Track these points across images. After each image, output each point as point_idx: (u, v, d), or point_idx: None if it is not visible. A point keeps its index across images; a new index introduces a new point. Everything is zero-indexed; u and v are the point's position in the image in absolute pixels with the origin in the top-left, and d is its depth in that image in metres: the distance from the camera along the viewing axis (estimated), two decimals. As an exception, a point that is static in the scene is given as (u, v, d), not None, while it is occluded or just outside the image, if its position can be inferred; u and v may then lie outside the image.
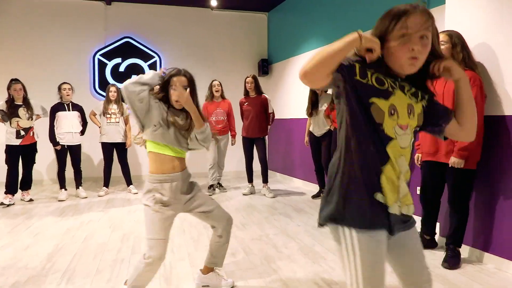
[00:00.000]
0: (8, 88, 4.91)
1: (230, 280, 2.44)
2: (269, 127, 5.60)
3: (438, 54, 1.32)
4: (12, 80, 4.95)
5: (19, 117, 4.90)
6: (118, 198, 5.26)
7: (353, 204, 1.26)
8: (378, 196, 1.26)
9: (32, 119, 5.01)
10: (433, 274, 2.40)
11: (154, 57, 6.89)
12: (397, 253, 1.38)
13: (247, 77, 5.45)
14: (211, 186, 5.53)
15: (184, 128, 2.08)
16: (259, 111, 5.38)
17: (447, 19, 3.10)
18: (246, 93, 5.49)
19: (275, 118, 5.90)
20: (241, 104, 5.54)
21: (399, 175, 1.28)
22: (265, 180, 5.47)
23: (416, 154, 3.17)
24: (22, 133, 4.92)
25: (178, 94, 2.04)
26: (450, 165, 2.75)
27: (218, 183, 5.69)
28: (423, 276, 1.39)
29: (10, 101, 4.90)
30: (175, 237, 3.43)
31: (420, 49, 1.26)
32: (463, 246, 2.92)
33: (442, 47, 2.79)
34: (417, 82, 1.36)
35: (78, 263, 2.83)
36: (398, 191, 1.28)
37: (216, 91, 5.43)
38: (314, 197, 5.18)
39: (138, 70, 6.72)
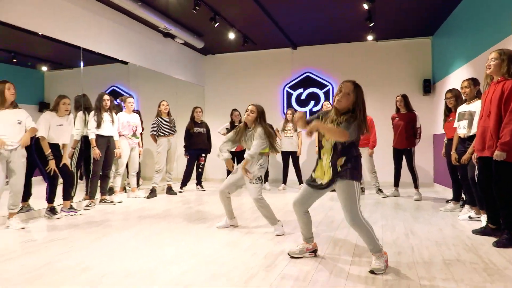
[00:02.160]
0: (231, 114, 7.57)
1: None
2: (417, 140, 6.35)
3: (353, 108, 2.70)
4: (233, 109, 7.59)
5: None
6: (291, 191, 7.13)
7: None
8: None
9: None
10: (472, 249, 3.13)
11: (327, 86, 8.62)
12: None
13: (397, 96, 6.43)
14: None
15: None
16: (407, 126, 6.26)
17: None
18: (397, 109, 6.47)
19: (439, 133, 6.51)
20: (392, 119, 6.53)
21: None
22: (415, 186, 6.26)
23: (474, 154, 3.78)
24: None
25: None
26: (494, 158, 3.34)
27: (379, 189, 6.65)
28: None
29: (231, 123, 7.53)
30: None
31: (342, 96, 2.70)
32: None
33: (492, 62, 3.44)
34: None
35: (239, 214, 4.74)
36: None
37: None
38: (447, 201, 5.69)
39: (315, 97, 8.60)
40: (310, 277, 2.60)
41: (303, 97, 8.79)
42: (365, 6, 5.90)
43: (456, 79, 6.62)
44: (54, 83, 8.11)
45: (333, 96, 8.63)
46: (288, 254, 3.04)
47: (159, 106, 6.68)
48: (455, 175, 4.96)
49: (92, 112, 5.52)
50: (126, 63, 7.38)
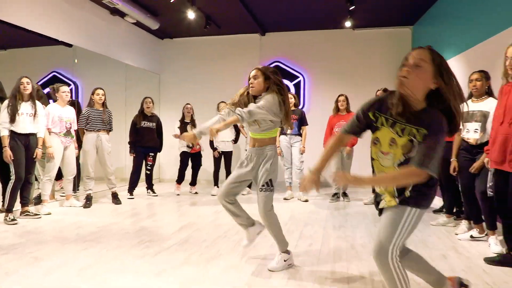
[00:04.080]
0: (183, 109, 6.56)
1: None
2: None
3: (444, 92, 1.65)
4: (186, 104, 6.59)
5: (187, 132, 6.44)
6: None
7: None
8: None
9: None
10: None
11: (298, 77, 7.77)
12: None
13: (378, 90, 5.66)
14: (334, 194, 5.94)
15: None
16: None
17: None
18: None
19: None
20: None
21: None
22: None
23: (486, 158, 3.16)
24: (190, 145, 6.43)
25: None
26: None
27: (344, 193, 6.02)
28: None
29: (182, 120, 6.52)
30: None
31: (409, 70, 1.65)
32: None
33: (507, 62, 2.71)
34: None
35: (193, 236, 3.81)
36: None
37: (341, 106, 5.85)
38: (435, 211, 5.01)
39: (285, 89, 7.71)
40: None
41: (271, 89, 7.88)
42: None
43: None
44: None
45: (303, 89, 7.99)
46: None
47: (92, 94, 5.46)
48: (449, 184, 4.26)
49: (6, 101, 4.33)
50: (70, 45, 6.19)
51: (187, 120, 6.58)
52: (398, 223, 1.73)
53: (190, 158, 6.62)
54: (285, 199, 6.02)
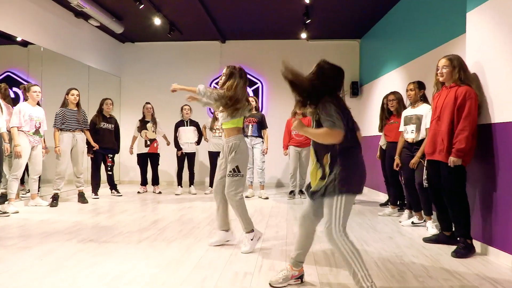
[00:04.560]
0: (143, 108, 6.79)
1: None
2: None
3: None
4: (146, 102, 6.82)
5: (147, 130, 6.68)
6: (218, 196, 6.58)
7: None
8: None
9: (155, 133, 6.75)
10: (434, 261, 2.87)
11: (257, 83, 8.24)
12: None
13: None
14: (291, 192, 6.44)
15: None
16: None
17: (468, 46, 3.53)
18: None
19: (364, 136, 6.54)
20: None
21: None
22: None
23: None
24: (148, 143, 6.69)
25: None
26: (449, 164, 3.20)
27: (300, 190, 6.54)
28: None
29: (142, 119, 6.74)
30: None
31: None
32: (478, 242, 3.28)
33: (444, 70, 3.33)
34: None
35: (168, 227, 4.09)
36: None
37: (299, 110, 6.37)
38: (381, 205, 5.66)
39: (244, 94, 8.14)
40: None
41: (231, 94, 8.27)
42: (306, 0, 5.61)
43: (384, 82, 6.69)
44: None
45: (262, 95, 8.47)
46: (270, 285, 2.48)
47: (67, 94, 5.57)
48: (394, 179, 4.88)
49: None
50: (25, 46, 6.17)
51: (148, 119, 6.80)
52: (332, 208, 2.20)
53: (148, 159, 6.85)
54: (246, 197, 6.41)
